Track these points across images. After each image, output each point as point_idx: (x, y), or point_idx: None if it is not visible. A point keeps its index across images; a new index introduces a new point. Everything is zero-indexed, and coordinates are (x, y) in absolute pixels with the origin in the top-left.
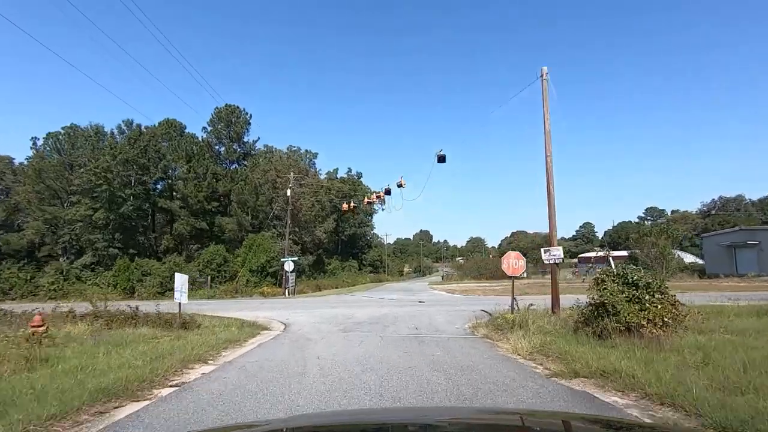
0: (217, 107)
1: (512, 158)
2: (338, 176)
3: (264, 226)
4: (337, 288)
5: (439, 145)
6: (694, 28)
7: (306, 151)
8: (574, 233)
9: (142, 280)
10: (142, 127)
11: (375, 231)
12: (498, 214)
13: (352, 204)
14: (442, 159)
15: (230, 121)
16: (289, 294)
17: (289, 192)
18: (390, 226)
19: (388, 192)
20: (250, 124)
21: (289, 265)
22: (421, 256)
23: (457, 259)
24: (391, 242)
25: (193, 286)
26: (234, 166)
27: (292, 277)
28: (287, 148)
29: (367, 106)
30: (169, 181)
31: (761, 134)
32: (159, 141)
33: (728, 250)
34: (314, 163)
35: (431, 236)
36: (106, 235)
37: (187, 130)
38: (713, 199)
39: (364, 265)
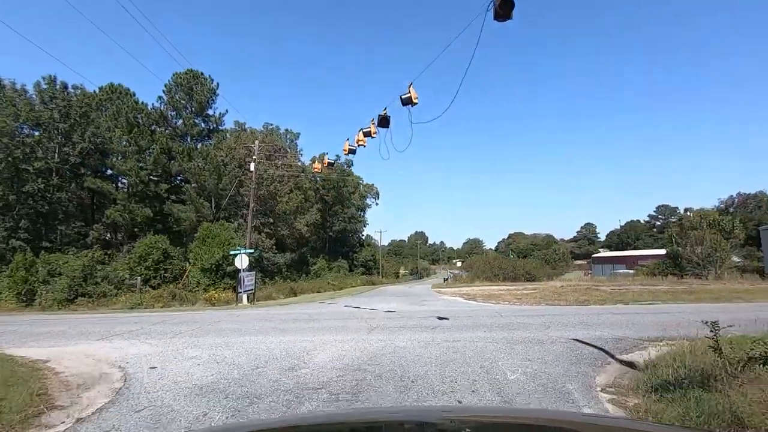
0: (176, 72)
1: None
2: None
3: (232, 215)
4: (319, 292)
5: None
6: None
7: (286, 130)
8: (575, 234)
9: (47, 281)
10: (70, 87)
11: (368, 229)
12: (494, 215)
13: (327, 159)
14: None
15: (191, 89)
16: (248, 301)
17: (252, 166)
18: (384, 226)
19: (384, 121)
20: (216, 95)
21: (242, 261)
22: (417, 257)
23: (454, 261)
24: (386, 243)
25: (119, 290)
26: (198, 145)
27: (249, 278)
28: (263, 126)
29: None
30: (101, 155)
31: None
32: (92, 107)
33: None
34: (296, 145)
35: (427, 238)
36: (6, 221)
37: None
38: (731, 196)
39: (356, 266)
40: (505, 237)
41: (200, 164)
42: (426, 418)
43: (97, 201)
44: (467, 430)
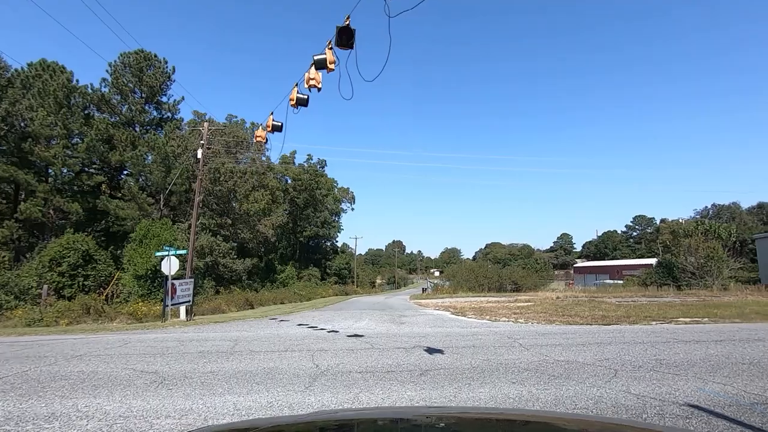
0: (124, 52)
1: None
2: (296, 162)
3: (184, 215)
4: (282, 303)
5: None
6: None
7: (252, 123)
8: (552, 245)
9: None
10: None
11: (343, 236)
12: (472, 225)
13: (272, 121)
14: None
15: (141, 71)
16: (186, 316)
17: (200, 153)
18: (362, 235)
19: (346, 35)
20: (171, 80)
21: (170, 265)
22: (395, 266)
23: (432, 270)
24: (363, 252)
25: (21, 302)
26: (147, 134)
27: (184, 288)
28: (226, 118)
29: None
30: (20, 138)
31: (753, 143)
32: (16, 85)
33: None
34: (266, 143)
35: (404, 247)
36: None
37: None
38: (706, 207)
39: (329, 275)
40: (483, 247)
41: (145, 154)
42: (403, 416)
43: (7, 193)
44: (442, 425)
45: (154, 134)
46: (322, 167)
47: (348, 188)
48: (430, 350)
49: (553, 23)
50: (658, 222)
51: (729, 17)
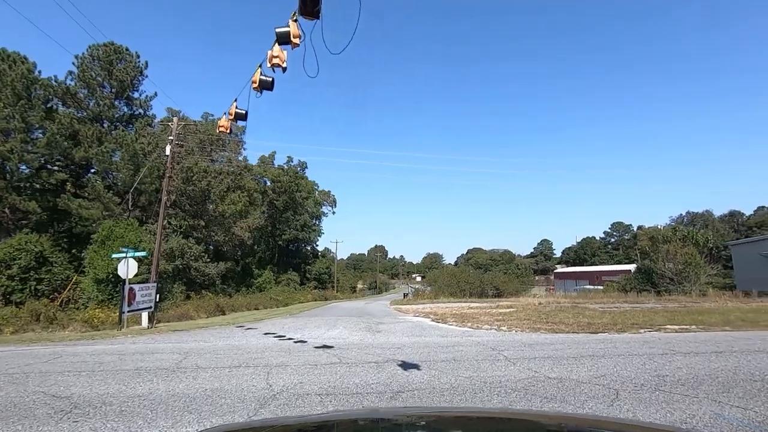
0: (92, 44)
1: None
2: (276, 164)
3: (155, 215)
4: (257, 309)
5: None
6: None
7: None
8: (533, 250)
9: None
10: None
11: (324, 240)
12: (454, 231)
13: (235, 108)
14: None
15: (111, 65)
16: (148, 323)
17: (168, 149)
18: (344, 240)
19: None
20: (144, 75)
21: (128, 268)
22: (377, 271)
23: (413, 275)
24: (345, 257)
25: None
26: (115, 131)
27: (144, 293)
28: (202, 116)
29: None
30: None
31: (726, 153)
32: None
33: None
34: (241, 140)
35: (386, 252)
36: None
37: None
38: (681, 214)
39: (308, 279)
40: (464, 252)
41: (112, 151)
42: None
43: None
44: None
45: (123, 131)
46: (303, 169)
47: (329, 191)
48: (405, 365)
49: (553, 23)
50: (635, 229)
51: (729, 17)
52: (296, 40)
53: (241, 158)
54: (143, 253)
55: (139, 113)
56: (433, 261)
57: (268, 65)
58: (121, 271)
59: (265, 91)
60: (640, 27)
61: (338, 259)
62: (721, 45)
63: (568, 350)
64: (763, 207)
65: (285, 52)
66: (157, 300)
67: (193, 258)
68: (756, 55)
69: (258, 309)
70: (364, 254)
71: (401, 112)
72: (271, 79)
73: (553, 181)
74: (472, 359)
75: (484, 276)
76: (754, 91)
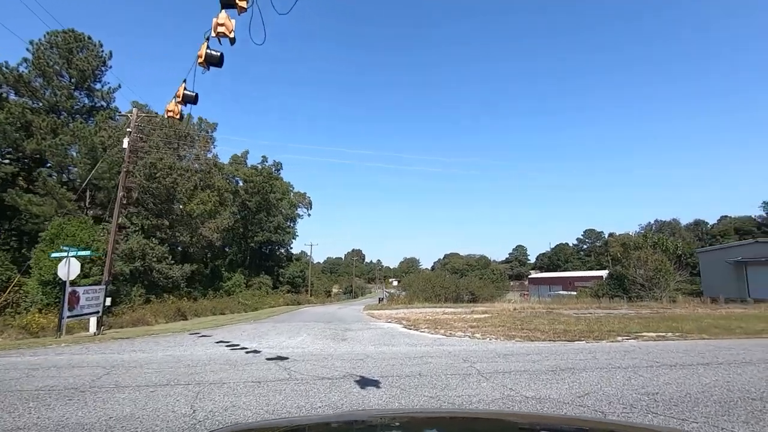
0: (50, 31)
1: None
2: (248, 163)
3: (111, 213)
4: (222, 314)
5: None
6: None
7: (200, 118)
8: (508, 256)
9: None
10: None
11: (299, 243)
12: (431, 235)
13: (184, 89)
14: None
15: (70, 53)
16: (96, 329)
17: (126, 142)
18: (321, 244)
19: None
20: (107, 66)
21: (69, 268)
22: (353, 275)
23: (390, 280)
24: (321, 260)
25: None
26: (73, 123)
27: (91, 296)
28: None
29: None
30: None
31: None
32: None
33: (737, 268)
34: (212, 137)
35: (363, 256)
36: None
37: None
38: (650, 223)
39: (281, 283)
40: (441, 257)
41: (68, 144)
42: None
43: None
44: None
45: (82, 123)
46: (278, 170)
47: (305, 193)
48: (364, 382)
49: (554, 23)
50: (606, 236)
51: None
52: (243, 3)
53: (210, 155)
54: (87, 252)
55: (101, 106)
56: (410, 265)
57: (213, 35)
58: (62, 272)
59: (213, 68)
60: (640, 27)
61: (314, 262)
62: (721, 45)
63: (545, 362)
64: (726, 216)
65: (233, 21)
66: (108, 304)
67: (155, 259)
68: (715, 59)
69: (224, 314)
70: (341, 258)
71: (381, 114)
72: (219, 54)
73: (529, 186)
74: (440, 374)
75: (460, 281)
76: (716, 98)
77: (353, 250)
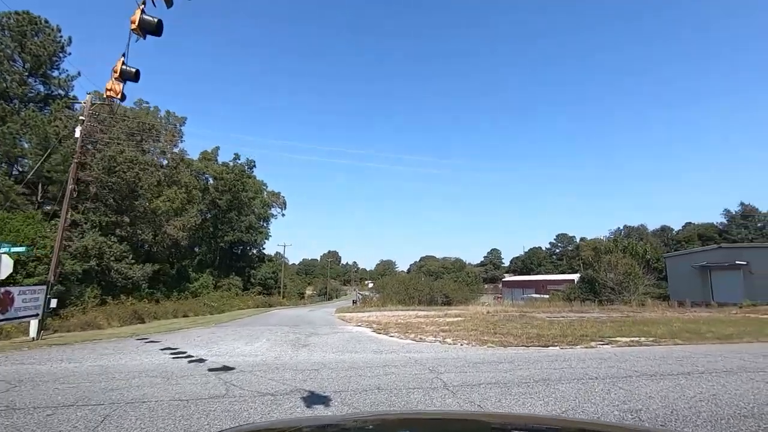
0: (1, 12)
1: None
2: (220, 160)
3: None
4: (186, 316)
5: None
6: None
7: (167, 112)
8: (483, 259)
9: None
10: None
11: (272, 244)
12: (407, 238)
13: (122, 64)
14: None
15: (23, 36)
16: (36, 335)
17: (78, 131)
18: (297, 245)
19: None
20: (66, 53)
21: (1, 267)
22: (328, 277)
23: (366, 282)
24: (296, 262)
25: None
26: (24, 111)
27: (29, 298)
28: (135, 103)
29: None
30: None
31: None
32: None
33: (702, 273)
34: (181, 132)
35: (340, 258)
36: None
37: None
38: (619, 228)
39: (252, 284)
40: (417, 259)
41: (17, 133)
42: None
43: None
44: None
45: (34, 111)
46: (251, 168)
47: (279, 193)
48: (312, 399)
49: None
50: (578, 240)
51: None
52: None
53: (177, 150)
54: (21, 249)
55: (59, 94)
56: (386, 268)
57: None
58: None
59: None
60: (641, 27)
61: (289, 264)
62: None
63: (518, 371)
64: (690, 223)
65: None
66: (54, 306)
67: (113, 258)
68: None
69: (187, 316)
70: (316, 260)
71: (361, 115)
72: (155, 21)
73: (504, 190)
74: (402, 387)
75: (434, 284)
76: (683, 106)
77: (329, 252)
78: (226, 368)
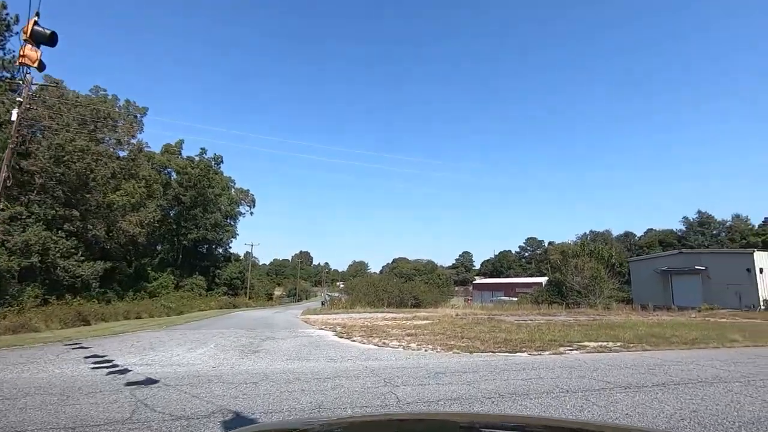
0: None
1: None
2: (184, 155)
3: (10, 199)
4: (140, 318)
5: None
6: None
7: (127, 101)
8: (454, 261)
9: None
10: None
11: (239, 242)
12: (380, 239)
13: (34, 23)
14: None
15: None
16: None
17: (14, 114)
18: (267, 245)
19: None
20: (12, 32)
21: None
22: (298, 277)
23: (338, 283)
24: (267, 262)
25: None
26: None
27: None
28: (91, 90)
29: None
30: None
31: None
32: None
33: (663, 277)
34: (141, 123)
35: (311, 258)
36: None
37: None
38: (585, 233)
39: (217, 284)
40: (390, 261)
41: None
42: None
43: None
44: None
45: None
46: (218, 164)
47: (248, 190)
48: (233, 423)
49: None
50: (546, 244)
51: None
52: None
53: (135, 141)
54: None
55: (4, 76)
56: (358, 269)
57: None
58: None
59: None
60: (640, 27)
61: (260, 264)
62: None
63: (483, 384)
64: (651, 229)
65: None
66: None
67: (59, 255)
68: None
69: (140, 318)
70: (287, 260)
71: (337, 114)
72: (49, 32)
73: (475, 194)
74: (347, 405)
75: (404, 285)
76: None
77: (300, 252)
78: (148, 381)
